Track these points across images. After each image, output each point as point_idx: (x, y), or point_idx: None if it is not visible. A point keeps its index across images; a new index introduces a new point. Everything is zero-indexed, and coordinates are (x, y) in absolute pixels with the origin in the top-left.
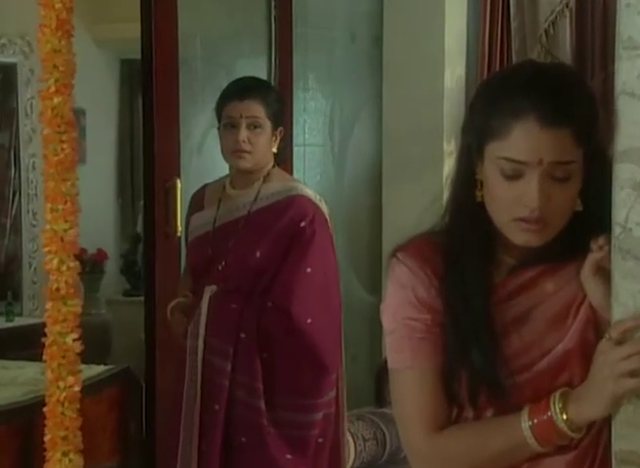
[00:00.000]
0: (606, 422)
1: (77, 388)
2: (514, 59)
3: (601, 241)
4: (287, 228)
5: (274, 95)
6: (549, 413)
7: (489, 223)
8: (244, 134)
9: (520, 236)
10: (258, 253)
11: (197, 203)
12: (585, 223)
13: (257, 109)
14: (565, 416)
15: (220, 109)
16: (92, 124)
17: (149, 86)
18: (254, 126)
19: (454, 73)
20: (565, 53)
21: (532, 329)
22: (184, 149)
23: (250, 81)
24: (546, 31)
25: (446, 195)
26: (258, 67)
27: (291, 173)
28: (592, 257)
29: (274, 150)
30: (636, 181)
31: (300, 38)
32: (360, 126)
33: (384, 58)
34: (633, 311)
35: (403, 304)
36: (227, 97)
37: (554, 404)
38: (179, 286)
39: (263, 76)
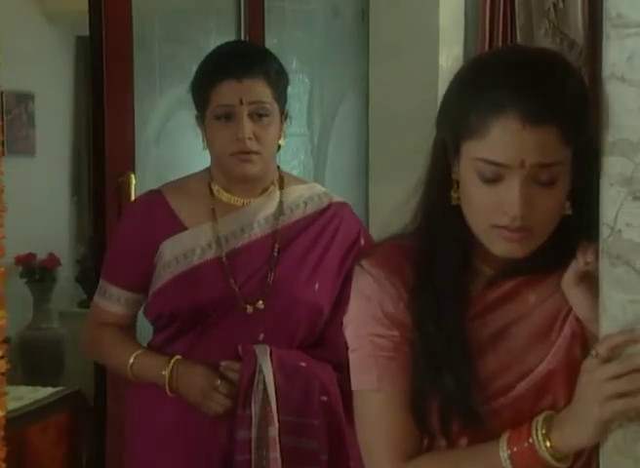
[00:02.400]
0: (596, 450)
1: (1, 413)
2: (519, 38)
3: (590, 256)
4: (343, 248)
5: (277, 64)
6: (530, 441)
7: (465, 228)
8: (248, 127)
9: (500, 246)
10: (317, 286)
11: (163, 219)
12: (575, 228)
13: (262, 91)
14: (548, 444)
15: (203, 93)
16: (42, 110)
17: (99, 67)
18: (259, 114)
19: (450, 53)
20: (576, 30)
21: (511, 347)
22: (140, 139)
23: (245, 48)
24: (555, 5)
25: (417, 196)
26: None
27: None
28: (576, 265)
29: (281, 142)
30: (626, 177)
31: (273, 13)
32: (343, 112)
33: (371, 36)
34: (623, 324)
35: (368, 319)
36: (217, 74)
37: (536, 430)
38: (112, 346)
39: None
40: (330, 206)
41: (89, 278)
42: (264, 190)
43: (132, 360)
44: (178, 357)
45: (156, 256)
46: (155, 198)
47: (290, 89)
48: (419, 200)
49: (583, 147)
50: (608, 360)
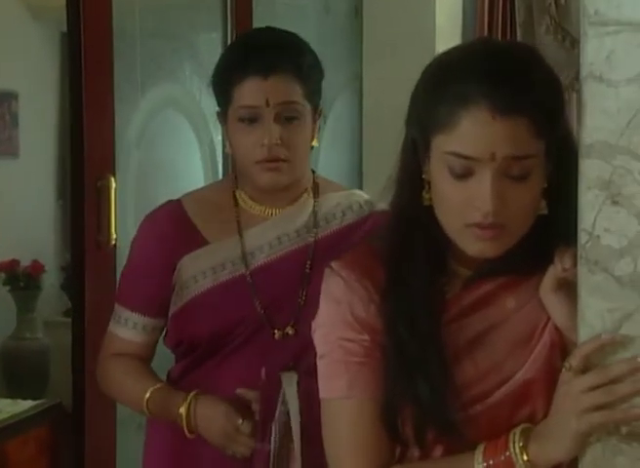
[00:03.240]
0: (574, 464)
1: None
2: (519, 35)
3: (567, 261)
4: None
5: (311, 56)
6: (507, 454)
7: (439, 229)
8: (276, 132)
9: (473, 245)
10: None
11: (183, 233)
12: (552, 229)
13: (292, 90)
14: (525, 457)
15: (225, 90)
16: (26, 110)
17: (77, 64)
18: (288, 117)
19: None
20: (579, 27)
21: (488, 353)
22: (120, 141)
23: (272, 38)
24: (556, 1)
25: (388, 197)
26: (211, 43)
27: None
28: (553, 271)
29: (314, 144)
30: (604, 180)
31: (262, 8)
32: (335, 113)
33: (365, 33)
34: (602, 333)
35: (337, 323)
36: (239, 69)
37: (514, 442)
38: (129, 379)
39: (218, 54)
40: (371, 215)
41: (75, 286)
42: (296, 199)
43: (148, 395)
44: (194, 392)
45: (175, 275)
46: (174, 209)
47: None
48: (390, 201)
49: (558, 142)
50: (584, 370)
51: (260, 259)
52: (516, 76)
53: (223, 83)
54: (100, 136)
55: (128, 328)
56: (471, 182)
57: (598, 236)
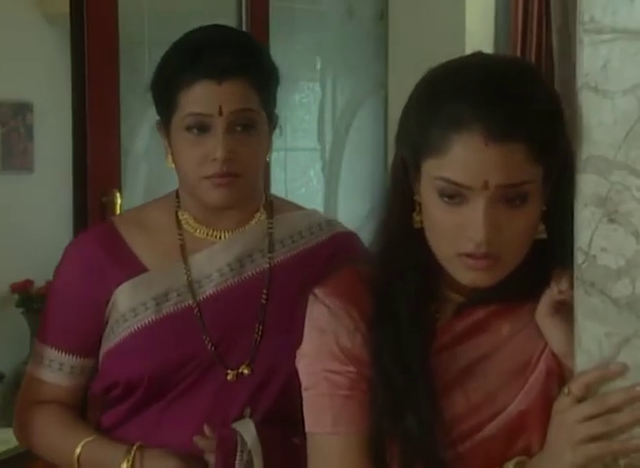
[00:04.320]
0: None
1: None
2: (554, 39)
3: (564, 283)
4: None
5: (267, 58)
6: None
7: (430, 253)
8: (229, 145)
9: (465, 275)
10: None
11: (117, 259)
12: (550, 252)
13: (248, 96)
14: None
15: (169, 95)
16: (42, 122)
17: (80, 73)
18: (243, 126)
19: None
20: None
21: (481, 384)
22: (127, 154)
23: (226, 37)
24: None
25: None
26: None
27: (268, 184)
28: (549, 294)
29: (268, 157)
30: (601, 197)
31: (280, 14)
32: (359, 124)
33: (390, 39)
34: (599, 359)
35: (322, 354)
36: (188, 72)
37: None
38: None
39: None
40: (333, 237)
41: None
42: (248, 219)
43: (79, 450)
44: (138, 444)
45: (108, 308)
46: (105, 231)
47: (297, 98)
48: (378, 223)
49: (557, 164)
50: (581, 399)
51: (208, 289)
52: (512, 98)
53: (168, 87)
54: (105, 148)
55: (52, 370)
56: (464, 209)
57: (594, 256)
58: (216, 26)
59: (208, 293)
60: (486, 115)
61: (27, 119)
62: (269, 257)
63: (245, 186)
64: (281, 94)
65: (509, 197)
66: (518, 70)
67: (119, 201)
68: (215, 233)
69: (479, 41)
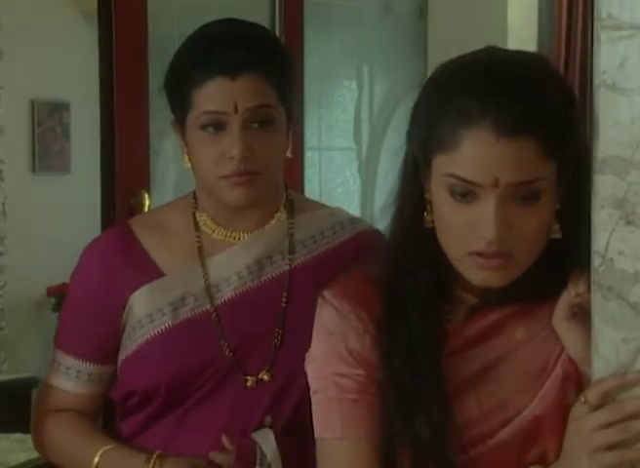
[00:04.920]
0: None
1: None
2: None
3: (582, 285)
4: None
5: (283, 52)
6: None
7: (442, 253)
8: (246, 142)
9: (477, 274)
10: None
11: (133, 263)
12: (567, 252)
13: (264, 92)
14: None
15: (183, 93)
16: (79, 122)
17: (108, 71)
18: (261, 123)
19: None
20: None
21: (494, 388)
22: (156, 154)
23: (240, 32)
24: None
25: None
26: None
27: (302, 185)
28: (567, 296)
29: (288, 155)
30: (618, 198)
31: (315, 11)
32: (397, 123)
33: (430, 35)
34: (616, 366)
35: (330, 357)
36: (202, 69)
37: None
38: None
39: None
40: (357, 236)
41: None
42: (268, 220)
43: (97, 459)
44: (158, 453)
45: (125, 313)
46: (122, 235)
47: (333, 96)
48: (389, 222)
49: (571, 161)
50: (598, 407)
51: (226, 293)
52: (523, 92)
53: (181, 85)
54: (134, 148)
55: (69, 378)
56: (475, 206)
57: (612, 259)
58: (229, 20)
59: (226, 298)
60: (496, 109)
61: (64, 118)
62: (289, 259)
63: (264, 185)
64: (316, 92)
65: (521, 194)
66: (530, 64)
67: (147, 202)
68: (233, 234)
69: (522, 37)
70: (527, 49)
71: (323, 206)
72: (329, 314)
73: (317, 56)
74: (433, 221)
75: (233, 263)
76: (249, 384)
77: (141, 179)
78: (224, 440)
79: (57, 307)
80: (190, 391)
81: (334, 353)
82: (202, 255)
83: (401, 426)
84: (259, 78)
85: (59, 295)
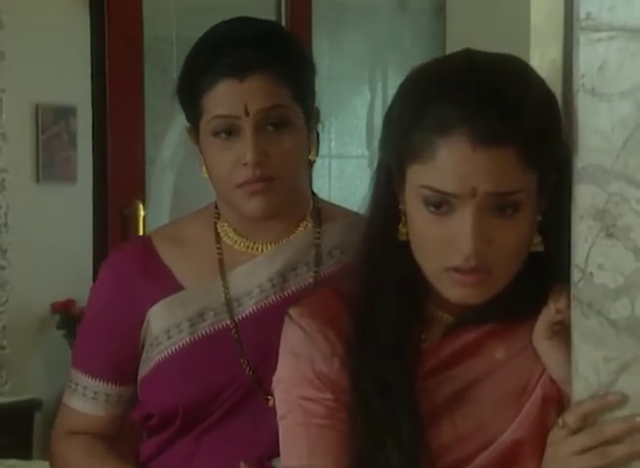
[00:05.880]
0: None
1: None
2: None
3: (562, 301)
4: None
5: (296, 48)
6: None
7: (416, 267)
8: (259, 146)
9: (454, 291)
10: None
11: (152, 277)
12: (549, 267)
13: (276, 91)
14: None
15: (193, 99)
16: (86, 127)
17: (100, 73)
18: (275, 124)
19: (544, 56)
20: None
21: (471, 412)
22: (152, 161)
23: (248, 29)
24: None
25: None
26: None
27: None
28: (547, 313)
29: (312, 157)
30: (598, 209)
31: (324, 10)
32: None
33: (448, 35)
34: (597, 386)
35: (296, 380)
36: (208, 71)
37: None
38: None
39: None
40: None
41: None
42: (293, 230)
43: None
44: None
45: (143, 329)
46: (141, 247)
47: (344, 101)
48: (361, 235)
49: (553, 171)
50: (577, 430)
51: (248, 307)
52: (502, 98)
53: (191, 90)
54: (128, 156)
55: (86, 398)
56: (451, 218)
57: (591, 273)
58: (239, 19)
59: (247, 312)
60: (472, 117)
61: (71, 124)
62: (315, 271)
63: (283, 191)
64: (325, 96)
65: (499, 206)
66: (509, 68)
67: (142, 213)
68: (256, 246)
69: (546, 37)
70: (551, 51)
71: (353, 213)
72: (295, 334)
73: (327, 58)
74: (407, 234)
75: (255, 276)
76: (270, 404)
77: (136, 189)
78: (243, 467)
79: (62, 325)
80: (209, 411)
81: (300, 376)
82: (223, 268)
83: (371, 453)
84: (269, 77)
85: (64, 312)
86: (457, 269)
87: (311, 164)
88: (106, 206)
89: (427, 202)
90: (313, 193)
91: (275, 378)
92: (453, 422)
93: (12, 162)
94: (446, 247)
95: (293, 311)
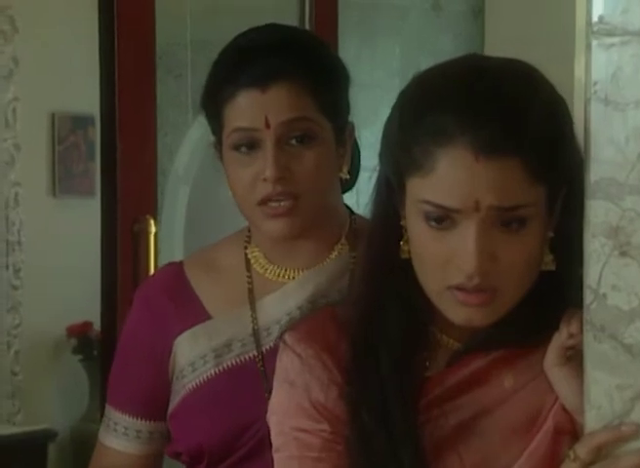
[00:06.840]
0: None
1: None
2: None
3: (575, 326)
4: None
5: (325, 56)
6: None
7: (419, 289)
8: (280, 160)
9: (457, 312)
10: None
11: (181, 305)
12: (561, 288)
13: (300, 103)
14: None
15: (215, 110)
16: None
17: (109, 82)
18: (299, 138)
19: None
20: None
21: (478, 445)
22: (165, 175)
23: (274, 37)
24: None
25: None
26: None
27: None
28: (559, 338)
29: (344, 175)
30: (612, 226)
31: (352, 11)
32: None
33: (487, 39)
34: (610, 416)
35: (291, 410)
36: (229, 81)
37: None
38: None
39: None
40: None
41: (106, 352)
42: (327, 254)
43: None
44: None
45: (171, 361)
46: (172, 275)
47: (368, 109)
48: (360, 254)
49: (564, 183)
50: (590, 463)
51: (271, 339)
52: (506, 106)
53: (214, 101)
54: (139, 169)
55: (117, 435)
56: (453, 234)
57: (604, 294)
58: (267, 26)
59: (274, 343)
60: (474, 126)
61: (89, 134)
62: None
63: (308, 211)
64: (353, 105)
65: (505, 220)
66: (514, 73)
67: (154, 229)
68: (287, 273)
69: None
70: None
71: None
72: (290, 361)
73: (355, 63)
74: (410, 252)
75: (285, 303)
76: None
77: (147, 203)
78: None
79: (78, 349)
80: (235, 448)
81: (295, 405)
82: (252, 297)
83: None
84: (292, 88)
85: (81, 336)
86: (459, 288)
87: (343, 182)
88: (116, 222)
89: (428, 217)
90: (352, 212)
91: (269, 408)
92: (458, 456)
93: (26, 175)
94: (448, 264)
95: (288, 336)
